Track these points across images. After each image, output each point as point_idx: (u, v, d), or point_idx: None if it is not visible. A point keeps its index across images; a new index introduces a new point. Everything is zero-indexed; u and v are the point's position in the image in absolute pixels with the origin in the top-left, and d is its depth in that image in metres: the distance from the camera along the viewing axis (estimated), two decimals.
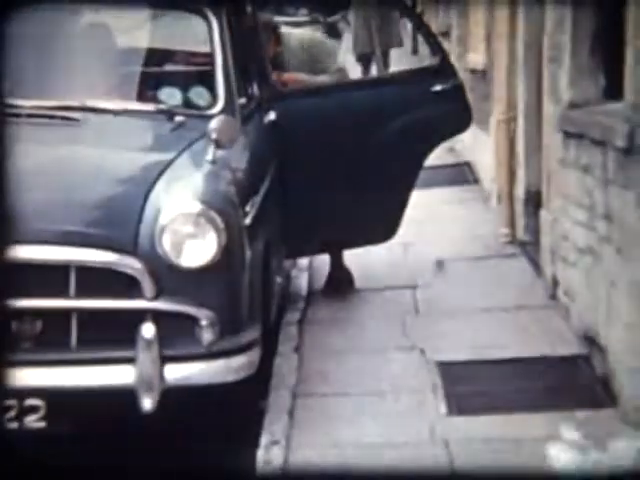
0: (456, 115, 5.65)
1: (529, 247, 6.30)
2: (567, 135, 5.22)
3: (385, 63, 13.01)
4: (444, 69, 5.63)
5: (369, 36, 12.87)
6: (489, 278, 6.09)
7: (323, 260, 6.22)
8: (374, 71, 13.18)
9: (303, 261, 6.38)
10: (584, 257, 4.88)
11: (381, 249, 6.04)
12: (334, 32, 19.40)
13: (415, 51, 16.53)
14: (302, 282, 6.20)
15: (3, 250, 3.73)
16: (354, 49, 13.40)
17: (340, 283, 5.98)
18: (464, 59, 9.25)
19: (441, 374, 4.59)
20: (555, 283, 5.54)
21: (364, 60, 13.29)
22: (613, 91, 4.97)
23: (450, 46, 9.56)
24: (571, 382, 4.58)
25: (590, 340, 4.77)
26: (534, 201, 6.31)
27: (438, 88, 5.56)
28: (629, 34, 4.35)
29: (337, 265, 5.99)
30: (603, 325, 4.55)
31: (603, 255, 4.54)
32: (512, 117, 6.84)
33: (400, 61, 14.17)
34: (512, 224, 6.83)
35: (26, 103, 4.50)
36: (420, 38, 15.03)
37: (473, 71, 8.71)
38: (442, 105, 5.54)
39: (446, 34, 10.64)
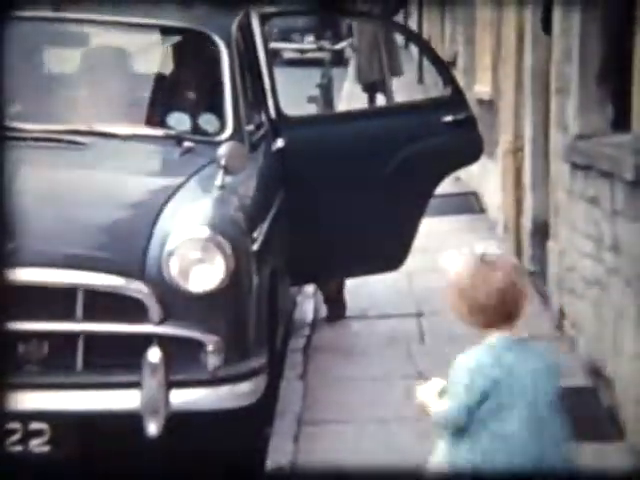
0: (467, 146, 5.66)
1: (536, 277, 6.29)
2: (574, 166, 5.22)
3: (390, 91, 13.06)
4: (455, 100, 5.64)
5: (375, 63, 12.96)
6: None
7: None
8: (380, 100, 13.30)
9: (309, 288, 6.37)
10: (591, 289, 4.87)
11: (387, 277, 6.03)
12: (340, 60, 19.53)
13: (421, 80, 16.59)
14: (308, 309, 6.19)
15: (10, 272, 3.75)
16: (359, 78, 13.43)
17: (332, 312, 5.98)
18: (471, 89, 9.28)
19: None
20: (562, 314, 5.52)
21: (371, 89, 13.32)
22: (621, 122, 4.98)
23: (457, 76, 9.58)
24: (577, 414, 4.55)
25: (597, 372, 4.76)
26: (541, 232, 6.30)
27: (449, 119, 5.57)
28: (636, 65, 4.37)
29: (333, 294, 6.00)
30: (610, 357, 4.54)
31: (611, 287, 4.53)
32: (519, 147, 6.85)
33: (405, 90, 14.21)
34: (519, 254, 6.82)
35: (34, 127, 4.52)
36: (426, 66, 15.14)
37: (480, 101, 8.73)
38: (453, 136, 5.55)
39: (452, 63, 10.67)
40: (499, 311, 2.78)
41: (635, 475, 3.70)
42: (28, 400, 3.76)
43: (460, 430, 2.74)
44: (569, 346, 5.26)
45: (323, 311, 6.11)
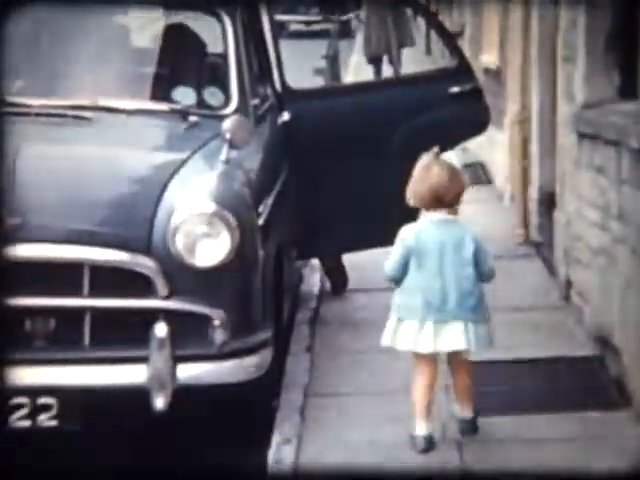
0: (473, 117, 5.63)
1: (543, 247, 6.28)
2: (581, 135, 5.19)
3: (398, 63, 13.00)
4: (462, 71, 5.61)
5: (383, 36, 12.89)
6: (502, 278, 6.02)
7: None
8: (386, 72, 13.25)
9: (315, 261, 6.38)
10: (598, 258, 4.86)
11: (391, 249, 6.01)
12: (346, 32, 19.42)
13: (429, 51, 16.52)
14: (314, 281, 6.20)
15: (15, 248, 3.77)
16: (366, 50, 13.35)
17: (335, 285, 5.99)
18: (478, 59, 9.23)
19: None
20: (569, 284, 5.52)
21: (376, 61, 13.26)
22: (628, 91, 4.95)
23: (463, 46, 9.53)
24: (585, 383, 4.56)
25: (604, 341, 4.76)
26: (548, 201, 6.28)
27: (456, 90, 5.55)
28: None
29: (334, 267, 6.00)
30: (617, 326, 4.53)
31: (617, 256, 4.52)
32: (526, 117, 6.82)
33: (413, 61, 14.15)
34: (526, 224, 6.81)
35: (37, 102, 4.51)
36: (434, 38, 15.07)
37: (487, 71, 8.69)
38: (459, 107, 5.52)
39: (460, 34, 10.62)
40: (433, 198, 3.95)
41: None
42: (36, 375, 3.78)
43: (398, 280, 3.98)
44: (576, 316, 5.27)
45: (329, 284, 6.11)
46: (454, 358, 4.04)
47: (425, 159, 4.01)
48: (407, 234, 3.96)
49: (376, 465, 3.87)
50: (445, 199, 3.94)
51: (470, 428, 4.08)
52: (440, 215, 3.95)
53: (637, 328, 4.24)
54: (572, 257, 5.42)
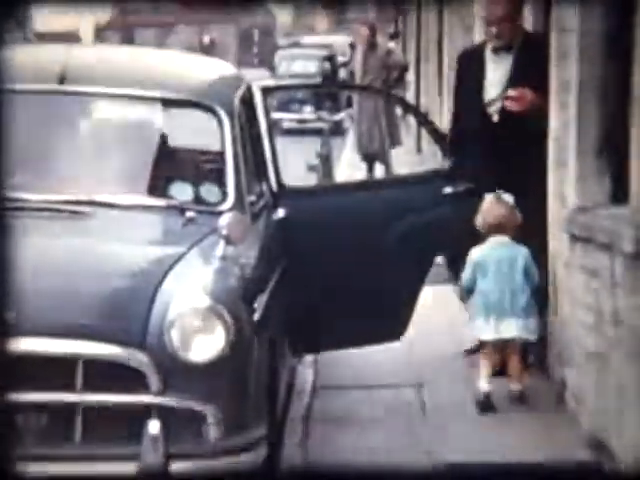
0: (467, 218, 5.69)
1: (537, 348, 6.27)
2: (574, 238, 5.24)
3: (389, 162, 13.15)
4: (455, 172, 5.68)
5: (375, 135, 13.06)
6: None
7: (328, 356, 6.20)
8: (379, 169, 13.39)
9: (308, 357, 6.35)
10: (593, 362, 4.85)
11: (386, 345, 6.00)
12: (339, 130, 19.68)
13: (419, 149, 16.71)
14: (307, 377, 6.17)
15: (9, 342, 3.75)
16: (359, 148, 13.52)
17: None
18: None
19: (449, 476, 4.53)
20: (563, 387, 5.49)
21: (369, 159, 13.42)
22: (619, 195, 5.01)
23: None
24: None
25: (599, 446, 4.72)
26: (541, 302, 6.29)
27: (449, 190, 5.61)
28: (634, 138, 4.41)
29: None
30: (613, 431, 4.50)
31: (612, 359, 4.52)
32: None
33: (403, 159, 14.30)
34: None
35: (35, 197, 4.54)
36: (424, 136, 15.26)
37: None
38: (453, 207, 5.58)
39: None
40: (495, 227, 5.43)
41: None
42: (26, 472, 3.73)
43: (470, 290, 5.45)
44: (571, 419, 5.23)
45: (322, 379, 6.08)
46: (509, 344, 5.41)
47: (490, 197, 5.43)
48: (474, 254, 5.42)
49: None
50: (505, 228, 5.41)
51: (519, 397, 5.42)
52: (499, 239, 5.42)
53: (633, 434, 4.22)
54: (566, 359, 5.42)
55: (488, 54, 5.97)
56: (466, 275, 5.44)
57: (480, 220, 5.44)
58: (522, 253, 5.40)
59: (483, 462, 4.74)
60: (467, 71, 6.08)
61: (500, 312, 5.33)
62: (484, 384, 5.42)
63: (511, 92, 5.69)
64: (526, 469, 4.72)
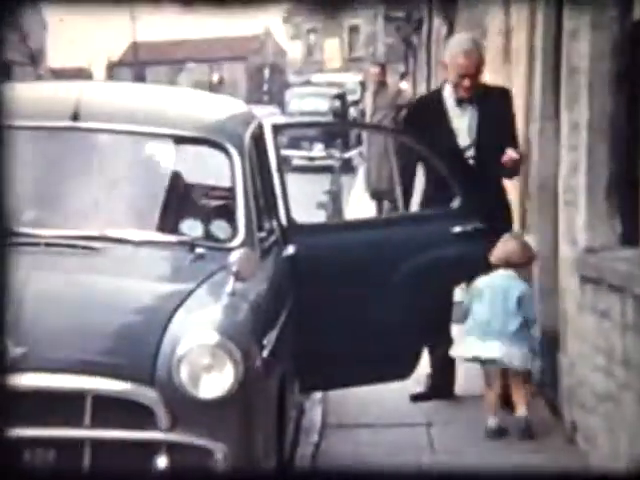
0: (476, 257, 5.69)
1: (546, 388, 6.25)
2: (584, 279, 5.23)
3: (399, 200, 13.13)
4: (464, 211, 5.70)
5: (386, 173, 13.08)
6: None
7: (337, 394, 6.18)
8: (387, 208, 13.38)
9: (317, 394, 6.34)
10: (603, 403, 4.83)
11: (395, 383, 5.98)
12: (349, 167, 19.74)
13: None
14: (316, 415, 6.14)
15: (18, 378, 3.75)
16: (367, 186, 13.54)
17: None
18: None
19: None
20: (574, 428, 5.46)
21: (378, 196, 13.43)
22: (630, 236, 5.01)
23: None
24: None
25: None
26: (551, 343, 6.28)
27: (458, 230, 5.63)
28: None
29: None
30: (625, 473, 4.47)
31: (623, 401, 4.50)
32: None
33: (414, 199, 14.27)
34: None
35: (46, 232, 4.55)
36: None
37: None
38: (461, 247, 5.59)
39: None
40: (505, 262, 5.73)
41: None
42: None
43: (466, 315, 5.74)
44: (582, 460, 5.19)
45: (331, 417, 6.06)
46: (512, 375, 5.69)
47: (507, 236, 5.83)
48: (476, 281, 5.77)
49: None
50: (513, 263, 5.74)
51: (525, 427, 5.63)
52: (503, 271, 5.73)
53: None
54: (577, 400, 5.39)
55: (450, 103, 6.25)
56: (465, 299, 5.82)
57: (494, 254, 5.76)
58: (520, 287, 5.69)
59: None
60: (429, 117, 6.28)
61: (487, 332, 5.63)
62: (491, 416, 5.68)
63: (511, 153, 6.01)
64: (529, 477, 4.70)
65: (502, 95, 6.36)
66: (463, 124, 6.23)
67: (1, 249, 4.01)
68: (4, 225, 4.14)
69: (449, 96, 6.28)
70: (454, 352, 5.84)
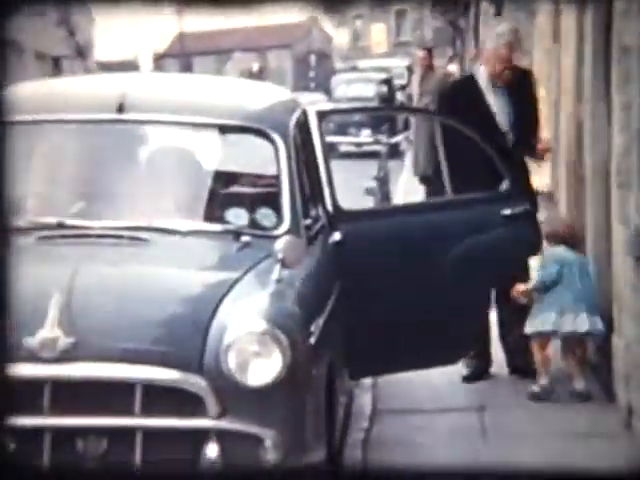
0: (526, 240, 5.64)
1: (601, 371, 6.18)
2: (638, 260, 5.15)
3: (447, 183, 13.05)
4: (514, 193, 5.65)
5: (433, 157, 13.00)
6: (558, 401, 5.98)
7: (387, 380, 6.17)
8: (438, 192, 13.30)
9: (366, 380, 6.33)
10: None
11: (447, 368, 5.96)
12: (396, 152, 19.67)
13: None
14: (366, 401, 6.14)
15: (69, 368, 3.79)
16: (415, 170, 13.47)
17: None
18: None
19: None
20: (630, 411, 5.38)
21: (427, 181, 13.35)
22: None
23: None
24: None
25: None
26: (605, 325, 6.21)
27: (508, 212, 5.59)
28: None
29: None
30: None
31: None
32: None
33: None
34: (583, 348, 6.68)
35: (94, 224, 4.59)
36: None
37: (538, 193, 8.69)
38: (511, 229, 5.55)
39: None
40: (562, 239, 6.13)
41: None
42: None
43: (546, 289, 6.00)
44: (639, 444, 5.12)
45: (382, 403, 6.05)
46: (570, 340, 6.01)
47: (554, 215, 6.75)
48: (548, 258, 6.11)
49: None
50: (567, 241, 6.14)
51: (584, 394, 5.92)
52: (560, 248, 6.10)
53: None
54: (633, 383, 5.30)
55: (486, 88, 6.46)
56: (550, 270, 6.01)
57: (546, 233, 6.04)
58: (587, 260, 6.22)
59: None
60: (467, 102, 6.37)
61: (570, 307, 5.91)
62: (543, 377, 6.03)
63: (547, 143, 6.69)
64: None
65: (527, 77, 6.62)
66: (499, 109, 6.43)
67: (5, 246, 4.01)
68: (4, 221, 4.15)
69: (483, 81, 6.45)
70: (530, 328, 6.00)
